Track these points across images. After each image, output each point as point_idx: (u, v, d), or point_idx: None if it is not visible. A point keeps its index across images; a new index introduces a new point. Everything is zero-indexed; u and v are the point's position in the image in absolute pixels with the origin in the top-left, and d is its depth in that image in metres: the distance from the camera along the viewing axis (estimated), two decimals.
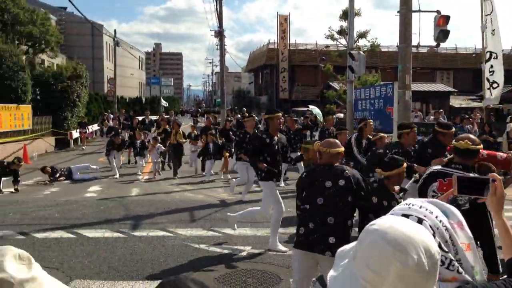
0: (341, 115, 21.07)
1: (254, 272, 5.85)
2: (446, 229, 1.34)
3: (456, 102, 36.07)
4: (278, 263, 6.20)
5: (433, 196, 4.16)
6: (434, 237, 1.27)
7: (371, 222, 1.20)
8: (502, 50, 15.30)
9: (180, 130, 14.16)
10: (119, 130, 17.21)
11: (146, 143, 14.42)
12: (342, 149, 4.37)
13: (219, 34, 29.42)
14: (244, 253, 6.60)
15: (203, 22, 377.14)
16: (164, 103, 45.71)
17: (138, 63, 68.95)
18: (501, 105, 25.47)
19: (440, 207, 1.40)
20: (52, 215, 8.86)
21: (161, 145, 14.01)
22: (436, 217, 1.35)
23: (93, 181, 13.15)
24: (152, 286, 5.24)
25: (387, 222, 1.17)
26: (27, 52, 26.74)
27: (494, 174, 1.76)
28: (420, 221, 1.32)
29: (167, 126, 15.73)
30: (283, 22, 46.40)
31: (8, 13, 24.20)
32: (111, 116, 24.62)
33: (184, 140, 14.23)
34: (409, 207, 1.39)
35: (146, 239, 7.22)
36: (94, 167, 14.43)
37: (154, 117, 27.50)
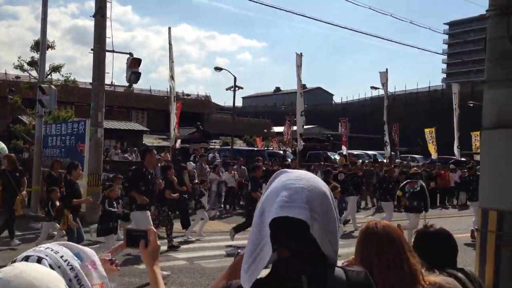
0: (26, 155, 19.05)
1: None
2: (72, 268, 1.33)
3: (149, 140, 38.34)
4: None
5: None
6: None
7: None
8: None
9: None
10: None
11: None
12: None
13: None
14: None
15: None
16: None
17: None
18: (187, 145, 28.17)
19: (73, 250, 1.40)
20: None
21: None
22: (61, 256, 1.33)
23: None
24: None
25: (13, 271, 1.13)
26: None
27: (151, 227, 1.79)
28: (39, 259, 1.29)
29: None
30: None
31: None
32: None
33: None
34: (34, 249, 1.36)
35: None
36: None
37: None
